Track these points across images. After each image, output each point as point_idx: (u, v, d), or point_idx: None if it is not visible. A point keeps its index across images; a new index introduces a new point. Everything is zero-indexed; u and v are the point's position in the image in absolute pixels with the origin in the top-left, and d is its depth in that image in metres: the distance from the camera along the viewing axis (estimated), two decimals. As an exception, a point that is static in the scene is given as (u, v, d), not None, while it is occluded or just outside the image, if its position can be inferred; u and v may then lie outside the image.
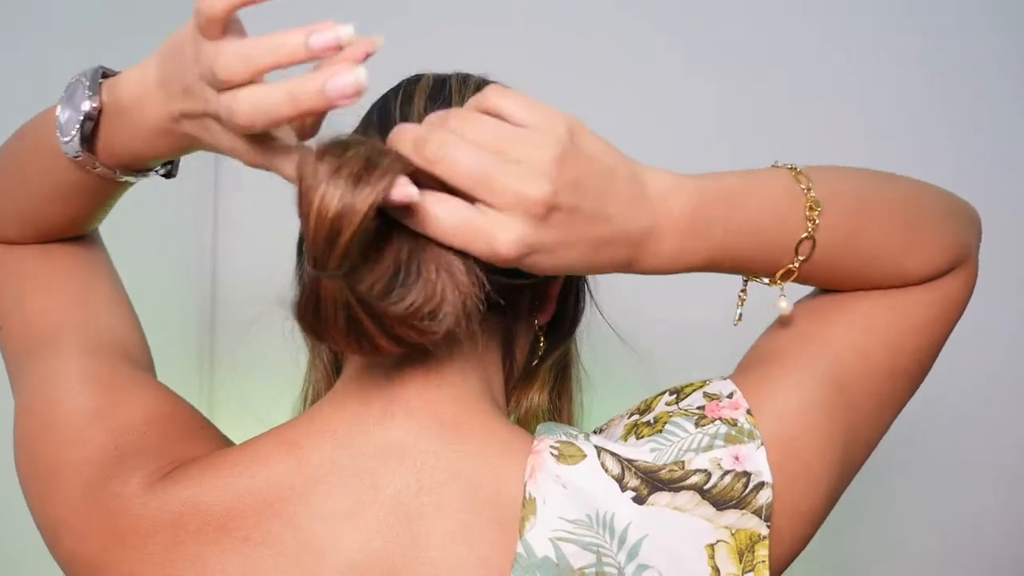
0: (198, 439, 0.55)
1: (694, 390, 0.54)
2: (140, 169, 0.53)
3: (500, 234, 0.43)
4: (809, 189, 0.52)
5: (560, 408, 0.65)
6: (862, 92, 1.20)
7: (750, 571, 0.48)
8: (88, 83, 0.49)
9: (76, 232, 0.60)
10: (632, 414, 0.55)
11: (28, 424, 0.54)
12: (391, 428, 0.51)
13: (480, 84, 0.59)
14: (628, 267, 0.49)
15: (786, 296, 0.55)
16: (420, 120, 0.51)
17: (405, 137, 0.45)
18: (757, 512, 0.49)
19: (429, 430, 0.51)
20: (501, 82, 0.61)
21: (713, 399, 0.52)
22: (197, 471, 0.51)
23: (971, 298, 0.59)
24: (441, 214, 0.43)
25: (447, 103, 0.56)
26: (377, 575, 0.48)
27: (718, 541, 0.49)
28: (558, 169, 0.44)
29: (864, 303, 0.56)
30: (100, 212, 0.59)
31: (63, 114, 0.50)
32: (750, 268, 0.54)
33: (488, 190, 0.43)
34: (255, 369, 1.20)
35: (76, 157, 0.50)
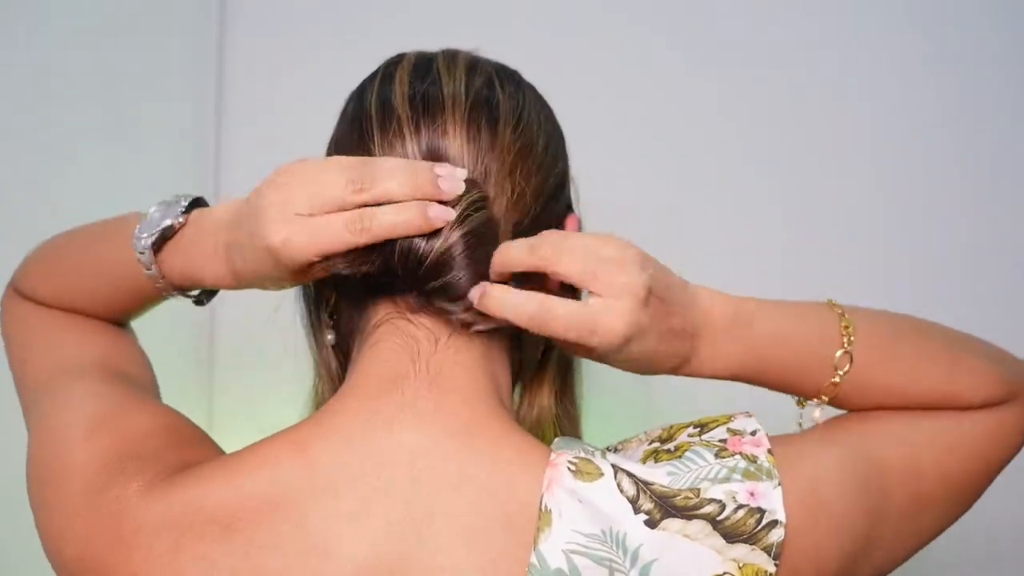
0: (198, 448, 0.55)
1: (718, 425, 0.54)
2: (184, 289, 0.60)
3: (611, 317, 0.49)
4: (843, 313, 0.57)
5: (568, 411, 0.64)
6: (862, 92, 1.20)
7: None
8: (185, 205, 0.57)
9: (111, 320, 0.65)
10: (652, 441, 0.54)
11: (41, 432, 0.56)
12: (401, 432, 0.51)
13: (470, 61, 0.58)
14: (682, 364, 0.55)
15: (821, 407, 0.58)
16: (403, 97, 0.55)
17: (518, 245, 0.52)
18: (767, 549, 0.49)
19: (439, 434, 0.51)
20: (490, 56, 0.61)
21: (736, 434, 0.52)
22: (202, 473, 0.51)
23: None
24: (558, 309, 0.50)
25: (435, 83, 0.56)
26: None
27: (725, 573, 0.48)
28: (644, 264, 0.51)
29: (915, 412, 0.57)
30: (137, 313, 0.65)
31: (156, 214, 0.57)
32: (787, 379, 0.57)
33: (597, 281, 0.49)
34: (255, 374, 1.20)
35: (141, 254, 0.56)
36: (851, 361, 0.56)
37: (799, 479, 0.51)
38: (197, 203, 0.58)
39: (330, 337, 0.60)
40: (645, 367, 0.54)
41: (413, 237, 0.50)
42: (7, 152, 1.07)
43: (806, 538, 0.51)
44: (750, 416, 0.54)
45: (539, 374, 0.63)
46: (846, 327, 0.56)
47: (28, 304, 0.65)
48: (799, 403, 0.60)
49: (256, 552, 0.48)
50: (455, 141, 0.54)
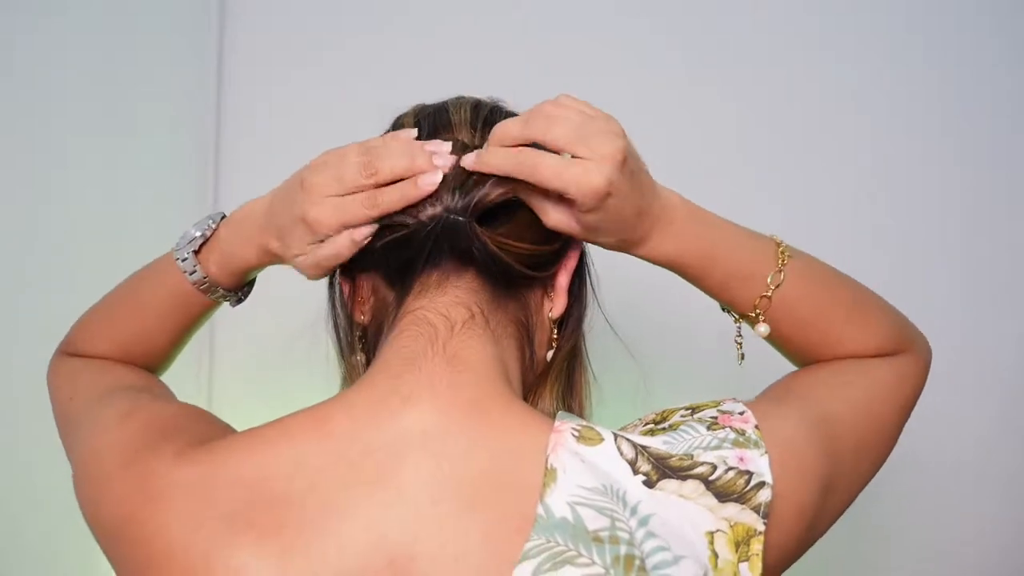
0: (221, 429, 0.60)
1: (708, 408, 0.58)
2: (225, 285, 0.68)
3: (594, 174, 0.56)
4: (780, 243, 0.66)
5: (572, 412, 0.67)
6: (862, 92, 1.20)
7: (745, 561, 0.52)
8: (216, 216, 0.68)
9: (151, 364, 0.74)
10: (647, 423, 0.58)
11: (84, 440, 0.61)
12: (416, 408, 0.55)
13: (475, 101, 0.65)
14: (641, 241, 0.61)
15: (763, 321, 0.65)
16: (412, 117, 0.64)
17: (512, 123, 0.58)
18: (756, 509, 0.53)
19: (452, 408, 0.55)
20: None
21: (726, 413, 0.58)
22: (228, 444, 0.55)
23: (923, 387, 0.69)
24: (545, 162, 0.56)
25: (445, 110, 0.63)
26: (401, 547, 0.51)
27: (717, 530, 0.52)
28: (626, 142, 0.58)
29: (840, 364, 0.67)
30: (191, 331, 0.74)
31: (191, 230, 0.67)
32: (725, 282, 0.64)
33: (586, 146, 0.56)
34: (255, 376, 1.20)
35: (183, 261, 0.67)
36: (782, 281, 0.64)
37: (779, 443, 0.56)
38: (224, 217, 0.69)
39: (360, 358, 0.66)
40: (614, 232, 0.60)
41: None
42: (7, 152, 1.07)
43: (790, 498, 0.55)
44: (737, 402, 0.59)
45: (544, 374, 0.66)
46: (782, 251, 0.65)
47: (75, 358, 0.74)
48: (734, 316, 0.67)
49: (277, 513, 0.51)
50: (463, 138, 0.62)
